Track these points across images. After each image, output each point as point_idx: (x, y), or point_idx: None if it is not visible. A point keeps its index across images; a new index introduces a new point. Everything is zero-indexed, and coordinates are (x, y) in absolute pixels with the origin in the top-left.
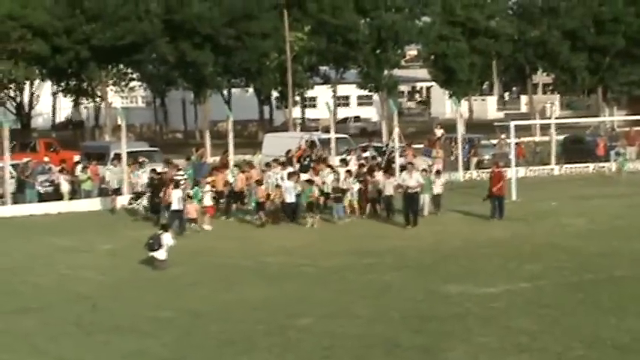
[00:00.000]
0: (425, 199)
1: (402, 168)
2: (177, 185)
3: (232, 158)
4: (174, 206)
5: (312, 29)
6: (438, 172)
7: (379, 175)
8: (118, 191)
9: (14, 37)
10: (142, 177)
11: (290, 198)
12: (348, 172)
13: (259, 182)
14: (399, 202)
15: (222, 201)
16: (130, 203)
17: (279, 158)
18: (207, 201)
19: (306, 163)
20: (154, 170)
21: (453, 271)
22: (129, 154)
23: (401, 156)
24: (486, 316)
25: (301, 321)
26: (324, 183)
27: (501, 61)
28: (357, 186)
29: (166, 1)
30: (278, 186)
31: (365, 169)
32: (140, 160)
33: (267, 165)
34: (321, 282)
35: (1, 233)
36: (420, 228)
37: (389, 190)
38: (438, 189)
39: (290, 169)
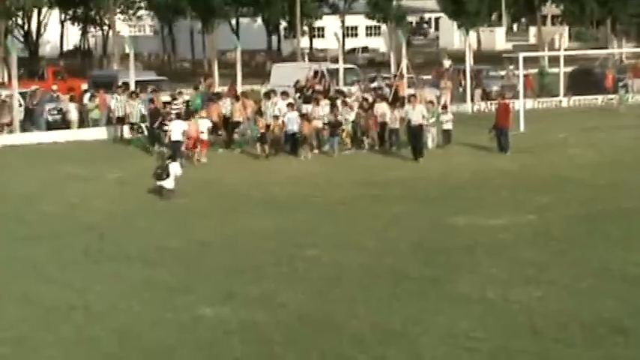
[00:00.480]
0: (432, 132)
1: (405, 100)
2: (178, 116)
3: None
4: (175, 137)
5: None
6: (444, 107)
7: (383, 107)
8: (122, 120)
9: None
10: (137, 107)
11: (292, 129)
12: (344, 102)
13: (260, 112)
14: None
15: (220, 133)
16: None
17: (275, 89)
18: (203, 135)
19: (308, 93)
20: (152, 100)
21: (461, 202)
22: (137, 83)
23: (390, 86)
24: (494, 248)
25: (309, 251)
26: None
27: None
28: (352, 116)
29: None
30: (276, 117)
31: (363, 102)
32: (149, 89)
33: (267, 95)
34: (329, 213)
35: (11, 161)
36: (428, 160)
37: (393, 123)
38: (447, 125)
39: (289, 101)
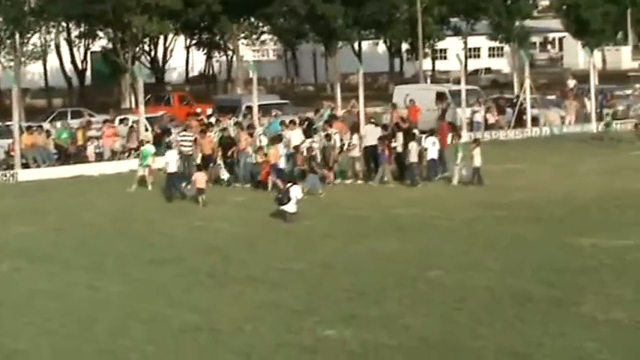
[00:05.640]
0: (457, 170)
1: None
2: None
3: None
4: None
5: None
6: (476, 141)
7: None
8: None
9: None
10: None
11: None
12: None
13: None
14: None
15: None
16: None
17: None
18: None
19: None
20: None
21: (586, 223)
22: (260, 106)
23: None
24: (620, 269)
25: (432, 273)
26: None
27: (636, 10)
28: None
29: None
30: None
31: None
32: (273, 113)
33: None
34: (451, 234)
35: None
36: (552, 180)
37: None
38: (477, 161)
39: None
